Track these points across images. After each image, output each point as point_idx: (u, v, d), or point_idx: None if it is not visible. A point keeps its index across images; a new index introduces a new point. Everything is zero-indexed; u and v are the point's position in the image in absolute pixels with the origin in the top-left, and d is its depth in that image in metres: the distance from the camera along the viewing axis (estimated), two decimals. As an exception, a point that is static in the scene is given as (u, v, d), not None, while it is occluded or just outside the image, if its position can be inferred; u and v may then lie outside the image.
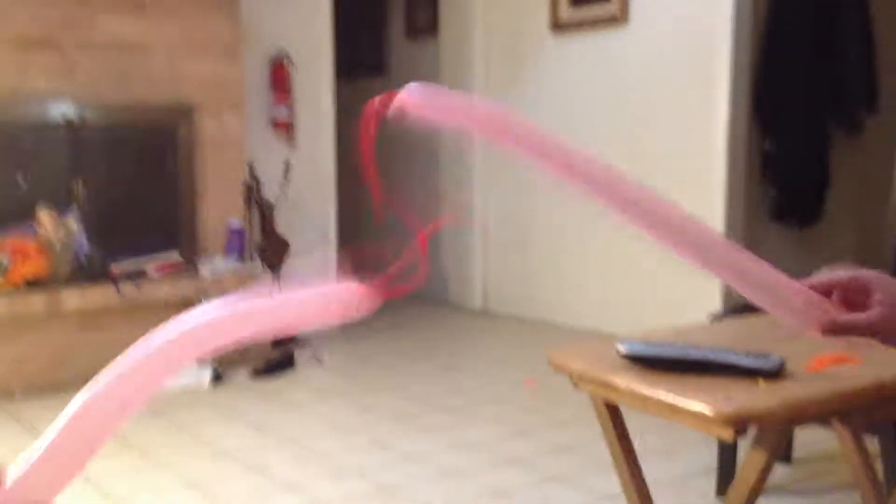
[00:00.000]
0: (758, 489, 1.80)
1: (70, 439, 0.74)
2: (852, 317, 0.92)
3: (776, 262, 0.97)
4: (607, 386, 1.95)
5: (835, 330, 0.92)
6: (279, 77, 4.93)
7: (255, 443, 3.19)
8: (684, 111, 4.39)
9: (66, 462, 0.73)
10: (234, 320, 0.81)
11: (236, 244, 4.54)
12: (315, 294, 0.82)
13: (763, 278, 0.96)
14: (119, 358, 0.78)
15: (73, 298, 3.88)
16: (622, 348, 1.95)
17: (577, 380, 2.09)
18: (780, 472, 2.69)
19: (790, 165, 4.42)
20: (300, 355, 4.34)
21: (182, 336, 0.79)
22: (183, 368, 0.79)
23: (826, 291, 0.94)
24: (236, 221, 4.56)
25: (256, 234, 4.75)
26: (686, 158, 4.39)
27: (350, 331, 4.86)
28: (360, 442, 3.17)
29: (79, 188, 4.22)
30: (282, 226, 4.76)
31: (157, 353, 0.78)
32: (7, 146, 4.14)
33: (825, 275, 0.96)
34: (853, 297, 0.93)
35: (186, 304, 4.03)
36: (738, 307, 2.82)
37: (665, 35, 4.46)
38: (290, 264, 4.78)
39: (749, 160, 4.35)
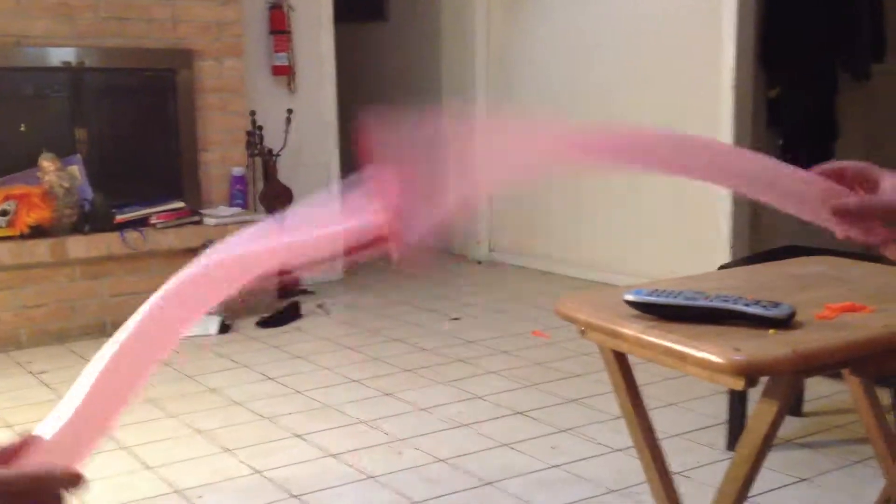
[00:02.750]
0: (768, 441, 1.81)
1: (101, 394, 0.73)
2: (865, 198, 0.89)
3: (783, 212, 0.95)
4: (615, 335, 1.95)
5: (848, 212, 0.89)
6: (278, 22, 4.87)
7: (263, 392, 3.21)
8: (690, 59, 4.35)
9: (98, 418, 0.73)
10: (265, 252, 0.79)
11: (239, 192, 4.53)
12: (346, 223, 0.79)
13: (768, 173, 0.93)
14: (144, 304, 0.78)
15: (78, 246, 3.88)
16: (630, 296, 1.95)
17: (584, 329, 2.10)
18: (790, 425, 2.70)
19: (797, 113, 4.39)
20: (306, 306, 4.35)
21: (210, 270, 0.78)
22: (211, 305, 0.77)
23: (836, 177, 0.91)
24: (239, 169, 4.54)
25: (259, 182, 4.73)
26: (692, 107, 4.35)
27: (355, 281, 4.88)
28: (368, 393, 3.19)
29: (81, 135, 4.20)
30: (284, 173, 4.74)
31: (184, 291, 0.77)
32: (8, 93, 4.11)
33: (834, 163, 0.92)
34: (863, 184, 0.90)
35: (191, 252, 4.04)
36: (747, 258, 2.82)
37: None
38: (293, 211, 4.77)
39: (756, 108, 4.32)
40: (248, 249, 0.80)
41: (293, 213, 0.83)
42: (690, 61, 4.34)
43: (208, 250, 0.80)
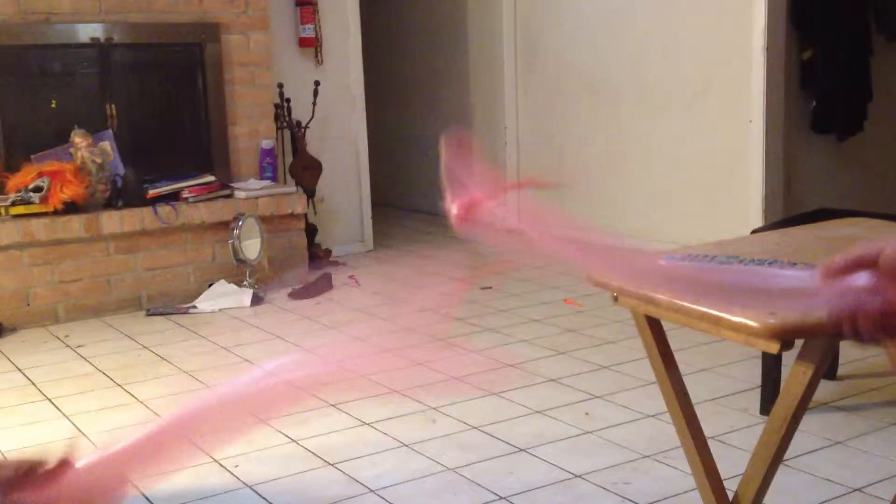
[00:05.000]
0: (803, 405, 1.80)
1: (151, 442, 0.74)
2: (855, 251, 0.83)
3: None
4: (648, 300, 1.94)
5: (835, 269, 0.84)
6: (304, -7, 4.85)
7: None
8: (721, 21, 4.29)
9: (142, 459, 0.74)
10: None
11: (269, 165, 4.54)
12: None
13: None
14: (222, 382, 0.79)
15: (112, 222, 3.92)
16: (663, 261, 1.93)
17: (616, 294, 2.09)
18: (825, 388, 2.68)
19: (830, 75, 4.32)
20: (337, 276, 4.37)
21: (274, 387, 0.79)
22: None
23: (868, 265, 0.84)
24: (268, 142, 4.56)
25: (288, 155, 4.75)
26: (724, 69, 4.29)
27: (384, 252, 4.89)
28: (400, 363, 3.20)
29: (111, 110, 4.23)
30: (313, 145, 4.75)
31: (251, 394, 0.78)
32: (38, 70, 4.15)
33: (868, 246, 0.85)
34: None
35: (222, 225, 4.07)
36: (779, 221, 2.79)
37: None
38: (323, 184, 4.79)
39: (788, 70, 4.26)
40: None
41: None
42: (721, 24, 4.28)
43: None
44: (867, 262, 0.84)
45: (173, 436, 0.77)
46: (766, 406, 2.55)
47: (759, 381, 2.64)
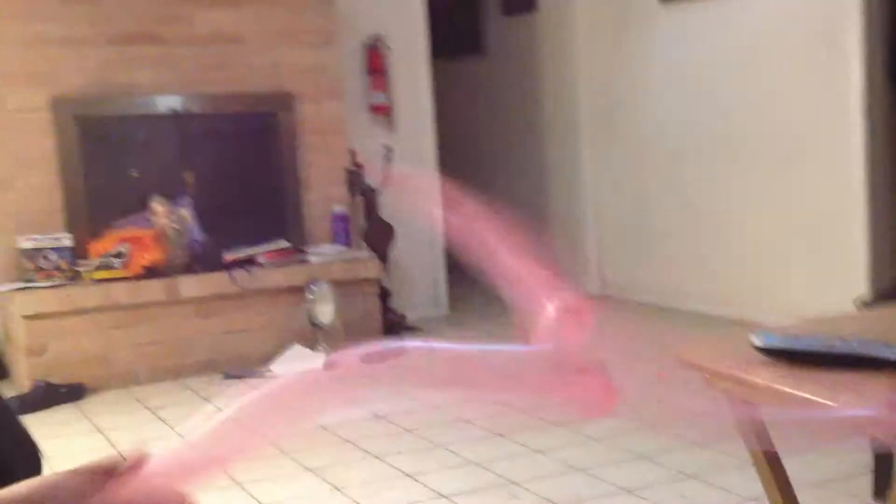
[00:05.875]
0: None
1: (222, 435, 0.74)
2: None
3: None
4: (744, 384, 1.88)
5: None
6: (375, 62, 4.95)
7: (374, 430, 3.21)
8: (814, 79, 4.15)
9: (212, 455, 0.73)
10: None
11: (342, 230, 4.59)
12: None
13: None
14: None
15: (190, 286, 3.99)
16: (757, 340, 1.85)
17: (710, 378, 2.03)
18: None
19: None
20: (410, 340, 4.37)
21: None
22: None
23: None
24: (340, 207, 4.62)
25: (361, 220, 4.79)
26: (820, 129, 4.14)
27: (458, 316, 4.87)
28: (480, 434, 3.16)
29: (189, 178, 4.33)
30: (386, 210, 4.80)
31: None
32: (120, 139, 4.28)
33: None
34: None
35: (296, 289, 4.11)
36: (887, 291, 2.67)
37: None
38: (396, 248, 4.82)
39: (889, 125, 4.10)
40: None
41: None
42: (816, 81, 4.14)
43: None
44: None
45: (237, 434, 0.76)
46: (881, 490, 2.42)
47: (870, 462, 2.50)
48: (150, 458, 0.68)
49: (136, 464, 0.68)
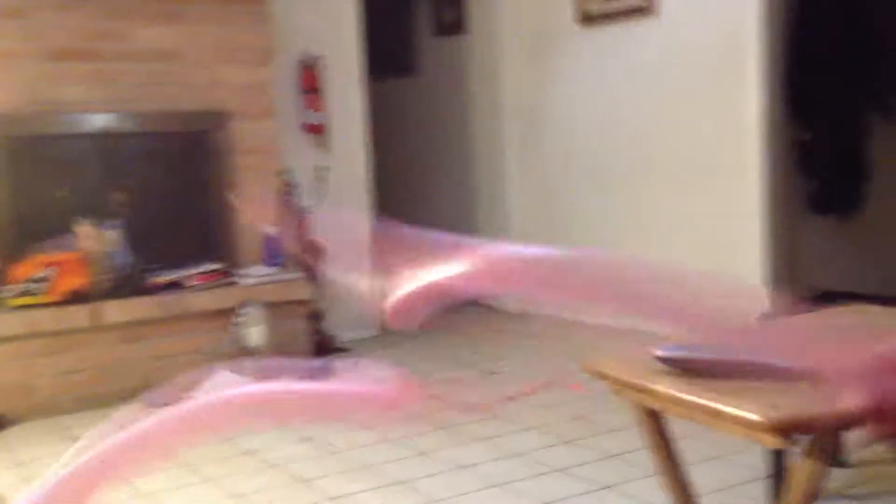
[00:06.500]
0: (812, 497, 1.76)
1: (74, 483, 0.73)
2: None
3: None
4: (647, 392, 1.91)
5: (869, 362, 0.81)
6: (309, 80, 4.93)
7: (300, 454, 3.19)
8: (717, 102, 4.34)
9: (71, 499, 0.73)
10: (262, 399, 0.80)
11: (273, 251, 4.55)
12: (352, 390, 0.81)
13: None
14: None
15: (115, 311, 3.92)
16: (659, 352, 1.91)
17: (616, 387, 2.06)
18: (834, 476, 2.60)
19: (826, 155, 4.34)
20: (340, 363, 4.34)
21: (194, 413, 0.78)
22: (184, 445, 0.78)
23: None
24: (272, 228, 4.57)
25: (292, 241, 4.75)
26: (720, 150, 4.33)
27: (388, 337, 4.86)
28: (405, 452, 3.16)
29: (118, 198, 4.26)
30: (319, 230, 4.76)
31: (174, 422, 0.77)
32: (46, 158, 4.20)
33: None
34: None
35: (225, 312, 4.06)
36: (784, 306, 2.75)
37: (695, 25, 4.42)
38: (327, 269, 4.79)
39: (785, 151, 4.28)
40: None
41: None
42: (718, 108, 4.33)
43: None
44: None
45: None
46: (777, 496, 2.48)
47: (765, 468, 2.57)
48: None
49: None
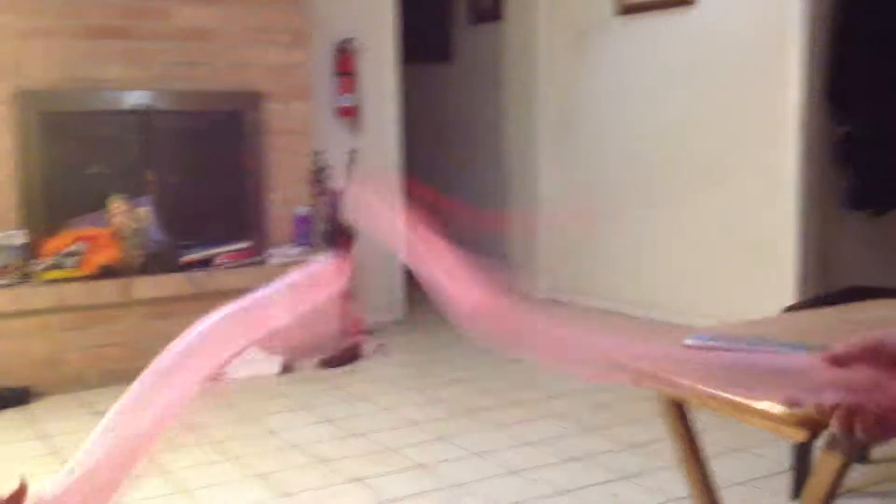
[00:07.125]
0: (832, 492, 1.73)
1: (108, 460, 0.72)
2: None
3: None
4: (671, 384, 1.88)
5: (836, 359, 0.77)
6: (344, 64, 4.92)
7: (323, 435, 3.20)
8: (755, 94, 4.27)
9: (103, 482, 0.71)
10: (230, 327, 0.78)
11: (303, 232, 4.56)
12: (292, 281, 0.79)
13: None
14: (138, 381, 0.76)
15: (145, 287, 3.94)
16: (689, 342, 1.88)
17: (635, 378, 2.03)
18: (856, 472, 2.57)
19: (866, 150, 4.25)
20: (367, 347, 4.34)
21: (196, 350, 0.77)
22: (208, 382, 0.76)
23: (871, 356, 0.78)
24: (303, 209, 4.58)
25: (323, 222, 4.76)
26: (757, 143, 4.27)
27: (415, 322, 4.86)
28: (427, 437, 3.15)
29: (151, 176, 4.28)
30: (349, 213, 4.76)
31: (176, 370, 0.75)
32: (80, 135, 4.22)
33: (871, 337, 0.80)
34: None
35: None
36: (812, 300, 2.71)
37: (734, 16, 4.34)
38: (358, 251, 4.78)
39: (822, 145, 4.20)
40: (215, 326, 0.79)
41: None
42: (757, 100, 4.26)
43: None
44: (869, 353, 0.79)
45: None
46: (799, 490, 2.45)
47: (789, 462, 2.54)
48: (34, 491, 0.65)
49: (16, 497, 0.65)
